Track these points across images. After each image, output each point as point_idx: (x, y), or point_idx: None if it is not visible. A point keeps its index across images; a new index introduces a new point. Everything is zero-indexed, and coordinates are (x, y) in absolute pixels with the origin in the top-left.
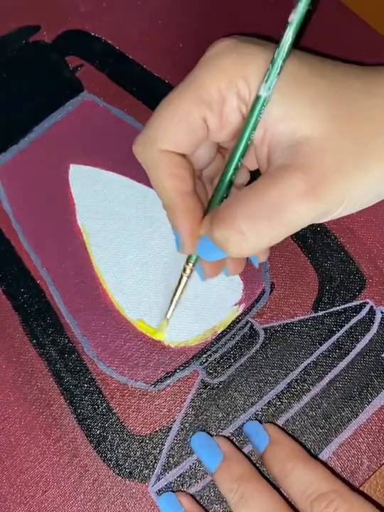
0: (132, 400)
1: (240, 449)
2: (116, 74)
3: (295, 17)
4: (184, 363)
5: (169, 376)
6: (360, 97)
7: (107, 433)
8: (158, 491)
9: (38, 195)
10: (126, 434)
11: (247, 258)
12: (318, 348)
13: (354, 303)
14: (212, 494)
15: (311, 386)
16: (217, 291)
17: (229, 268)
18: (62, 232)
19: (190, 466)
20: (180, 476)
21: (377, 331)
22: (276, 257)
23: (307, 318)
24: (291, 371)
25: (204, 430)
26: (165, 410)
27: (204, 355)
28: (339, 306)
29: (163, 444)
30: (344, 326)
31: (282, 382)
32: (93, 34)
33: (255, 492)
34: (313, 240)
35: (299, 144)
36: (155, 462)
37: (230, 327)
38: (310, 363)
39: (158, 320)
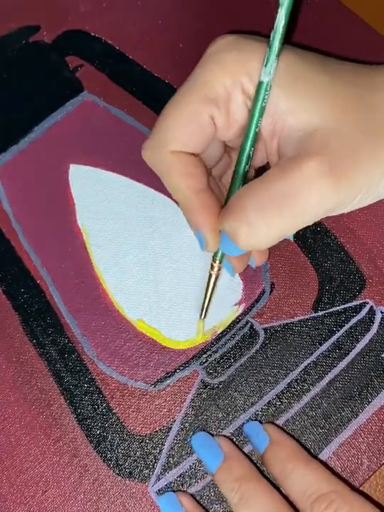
0: (132, 400)
1: (240, 449)
2: (116, 74)
3: None
4: (184, 363)
5: (169, 376)
6: (364, 91)
7: (107, 433)
8: (158, 490)
9: (38, 195)
10: (126, 434)
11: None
12: (318, 348)
13: (354, 303)
14: (212, 494)
15: (311, 386)
16: (218, 291)
17: (254, 258)
18: (62, 232)
19: (190, 466)
20: (180, 476)
21: (377, 331)
22: (276, 257)
23: (307, 318)
24: (291, 371)
25: (204, 430)
26: (165, 410)
27: (204, 355)
28: (339, 306)
29: (163, 444)
30: (344, 326)
31: (282, 382)
32: (93, 34)
33: (256, 492)
34: (313, 240)
35: (311, 135)
36: (155, 462)
37: (230, 327)
38: (310, 363)
39: (159, 320)
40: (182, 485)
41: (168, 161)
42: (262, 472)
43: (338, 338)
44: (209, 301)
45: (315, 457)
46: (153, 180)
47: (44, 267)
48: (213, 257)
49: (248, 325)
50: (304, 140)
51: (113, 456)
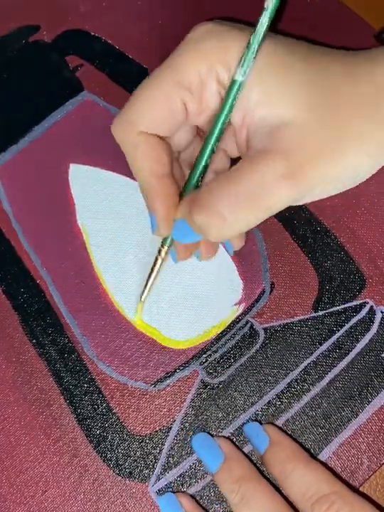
0: (132, 400)
1: (241, 450)
2: (116, 74)
3: (271, 3)
4: (184, 363)
5: (169, 376)
6: (340, 82)
7: (107, 433)
8: (158, 490)
9: (38, 195)
10: (126, 434)
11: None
12: (318, 347)
13: (354, 303)
14: (212, 494)
15: (311, 386)
16: (217, 291)
17: (201, 252)
18: (62, 232)
19: (190, 466)
20: (180, 475)
21: (377, 331)
22: (276, 257)
23: (307, 318)
24: (291, 371)
25: (204, 430)
26: (165, 410)
27: (204, 355)
28: (339, 306)
29: (163, 444)
30: (344, 325)
31: (282, 382)
32: (93, 34)
33: (256, 493)
34: (313, 240)
35: (278, 129)
36: (155, 462)
37: (230, 327)
38: (310, 363)
39: (159, 320)
40: (182, 485)
41: (134, 141)
42: (262, 473)
43: (338, 338)
44: (151, 284)
45: (315, 458)
46: None
47: (44, 267)
48: (162, 242)
49: (248, 325)
50: (269, 135)
51: (113, 456)
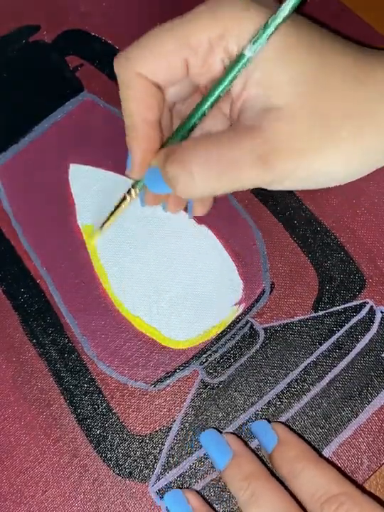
0: (132, 400)
1: (250, 447)
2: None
3: None
4: (184, 363)
5: (169, 376)
6: (341, 78)
7: (107, 433)
8: (158, 490)
9: (38, 195)
10: (126, 434)
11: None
12: (318, 347)
13: (354, 303)
14: (213, 494)
15: (311, 386)
16: (217, 291)
17: (168, 205)
18: (62, 232)
19: (191, 465)
20: (180, 475)
21: (377, 331)
22: (276, 257)
23: (307, 318)
24: (291, 371)
25: (204, 430)
26: (165, 410)
27: (204, 355)
28: (339, 305)
29: (163, 444)
30: (344, 325)
31: (282, 382)
32: (93, 34)
33: (266, 491)
34: (313, 240)
35: (268, 111)
36: (155, 462)
37: (230, 327)
38: (310, 363)
39: (159, 319)
40: (182, 485)
41: (131, 80)
42: (270, 471)
43: (338, 338)
44: (112, 218)
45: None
46: None
47: (44, 267)
48: (134, 183)
49: (248, 325)
50: (259, 115)
51: (113, 456)
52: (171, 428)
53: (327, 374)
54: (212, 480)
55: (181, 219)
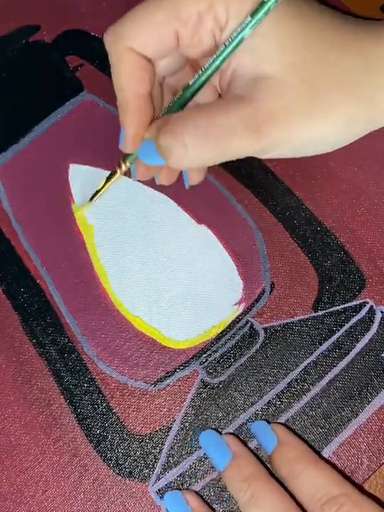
0: (132, 400)
1: (249, 449)
2: None
3: None
4: (184, 363)
5: (169, 376)
6: (331, 48)
7: (107, 433)
8: (158, 490)
9: (38, 195)
10: (126, 434)
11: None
12: (318, 347)
13: (354, 302)
14: (212, 494)
15: (311, 386)
16: (217, 291)
17: (160, 176)
18: (62, 232)
19: (190, 465)
20: (180, 475)
21: (377, 331)
22: (276, 257)
23: (307, 318)
24: (291, 371)
25: (204, 430)
26: (165, 410)
27: (204, 355)
28: (339, 305)
29: (163, 444)
30: (344, 325)
31: (282, 382)
32: (93, 34)
33: (265, 492)
34: (313, 240)
35: (258, 80)
36: (155, 462)
37: (230, 327)
38: (310, 363)
39: (159, 319)
40: (182, 485)
41: (121, 54)
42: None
43: (338, 338)
44: (102, 190)
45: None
46: (153, 180)
47: (44, 267)
48: (125, 157)
49: (248, 325)
50: (249, 84)
51: (113, 456)
52: (171, 428)
53: (327, 374)
54: (212, 480)
55: (181, 219)
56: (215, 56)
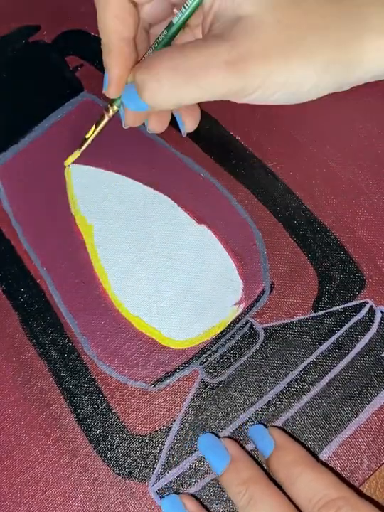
0: (132, 400)
1: (248, 452)
2: None
3: None
4: (184, 363)
5: (169, 376)
6: None
7: (106, 433)
8: (158, 490)
9: (38, 195)
10: (126, 434)
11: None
12: (318, 347)
13: (354, 303)
14: (212, 494)
15: (311, 386)
16: (217, 291)
17: (150, 122)
18: (62, 232)
19: (190, 465)
20: (180, 475)
21: (377, 331)
22: (276, 257)
23: (307, 318)
24: (291, 371)
25: (204, 430)
26: (165, 410)
27: (204, 355)
28: (339, 305)
29: (163, 444)
30: (344, 325)
31: (282, 382)
32: (93, 34)
33: (264, 495)
34: (313, 240)
35: (237, 20)
36: (155, 462)
37: (230, 327)
38: (310, 363)
39: (159, 319)
40: (182, 485)
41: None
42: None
43: (338, 338)
44: (92, 139)
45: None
46: (153, 180)
47: (44, 267)
48: (111, 101)
49: (248, 325)
50: (228, 24)
51: (113, 456)
52: (171, 428)
53: (327, 374)
54: (212, 480)
55: (181, 219)
56: None
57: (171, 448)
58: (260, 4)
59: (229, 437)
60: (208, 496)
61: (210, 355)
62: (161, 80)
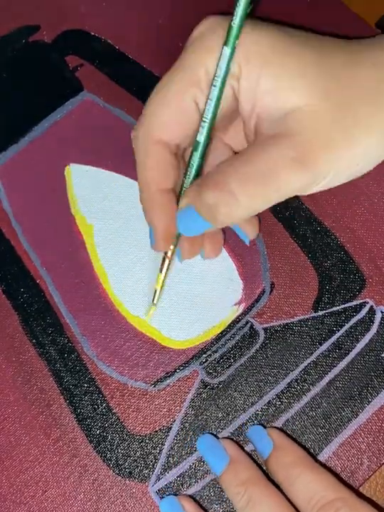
0: (132, 400)
1: (248, 453)
2: (116, 74)
3: None
4: (184, 363)
5: (169, 376)
6: (344, 66)
7: (106, 433)
8: (158, 490)
9: (38, 195)
10: (126, 434)
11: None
12: (318, 347)
13: (354, 303)
14: (212, 494)
15: (311, 386)
16: (217, 291)
17: (207, 248)
18: (62, 232)
19: (190, 465)
20: (180, 475)
21: (377, 331)
22: (276, 257)
23: (307, 318)
24: (291, 371)
25: (204, 430)
26: (165, 410)
27: (204, 355)
28: (339, 305)
29: (163, 444)
30: (344, 325)
31: (282, 382)
32: (93, 34)
33: (263, 496)
34: (313, 240)
35: (288, 114)
36: (155, 462)
37: (230, 327)
38: (310, 363)
39: (159, 319)
40: (182, 485)
41: (147, 150)
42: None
43: (338, 338)
44: (162, 286)
45: (317, 461)
46: None
47: (44, 267)
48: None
49: (248, 325)
50: (280, 121)
51: (113, 456)
52: (171, 428)
53: (327, 374)
54: (212, 480)
55: None
56: (209, 101)
57: (171, 448)
58: (306, 92)
59: (228, 438)
60: (207, 496)
61: (210, 355)
62: (234, 192)
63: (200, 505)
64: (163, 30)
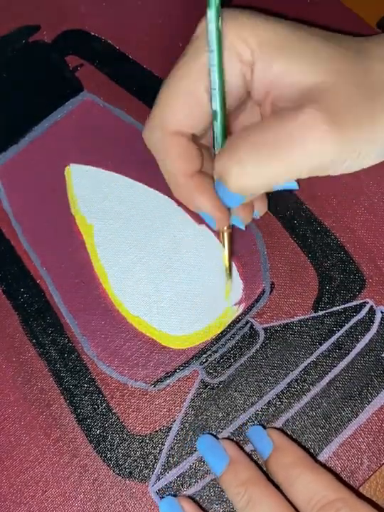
0: (132, 400)
1: (247, 454)
2: (116, 74)
3: None
4: (184, 363)
5: (169, 376)
6: (356, 57)
7: (106, 433)
8: (158, 490)
9: (37, 195)
10: (126, 434)
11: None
12: (318, 347)
13: (354, 303)
14: (212, 494)
15: (311, 386)
16: (218, 291)
17: (240, 214)
18: (62, 232)
19: (190, 465)
20: (180, 475)
21: (377, 331)
22: (276, 257)
23: (307, 318)
24: (291, 371)
25: (204, 430)
26: (165, 410)
27: (204, 355)
28: (339, 305)
29: (163, 444)
30: (344, 325)
31: (282, 382)
32: (93, 34)
33: (263, 496)
34: (313, 240)
35: (309, 89)
36: (155, 462)
37: (230, 327)
38: (310, 363)
39: (159, 319)
40: (182, 485)
41: (165, 142)
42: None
43: (338, 338)
44: (230, 261)
45: (317, 462)
46: (153, 180)
47: (44, 267)
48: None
49: (248, 325)
50: (300, 95)
51: (113, 456)
52: (171, 428)
53: (327, 374)
54: (212, 480)
55: (181, 219)
56: (211, 63)
57: (171, 448)
58: (322, 72)
59: (228, 438)
60: (208, 496)
61: (210, 355)
62: (242, 161)
63: (200, 506)
64: (163, 30)
